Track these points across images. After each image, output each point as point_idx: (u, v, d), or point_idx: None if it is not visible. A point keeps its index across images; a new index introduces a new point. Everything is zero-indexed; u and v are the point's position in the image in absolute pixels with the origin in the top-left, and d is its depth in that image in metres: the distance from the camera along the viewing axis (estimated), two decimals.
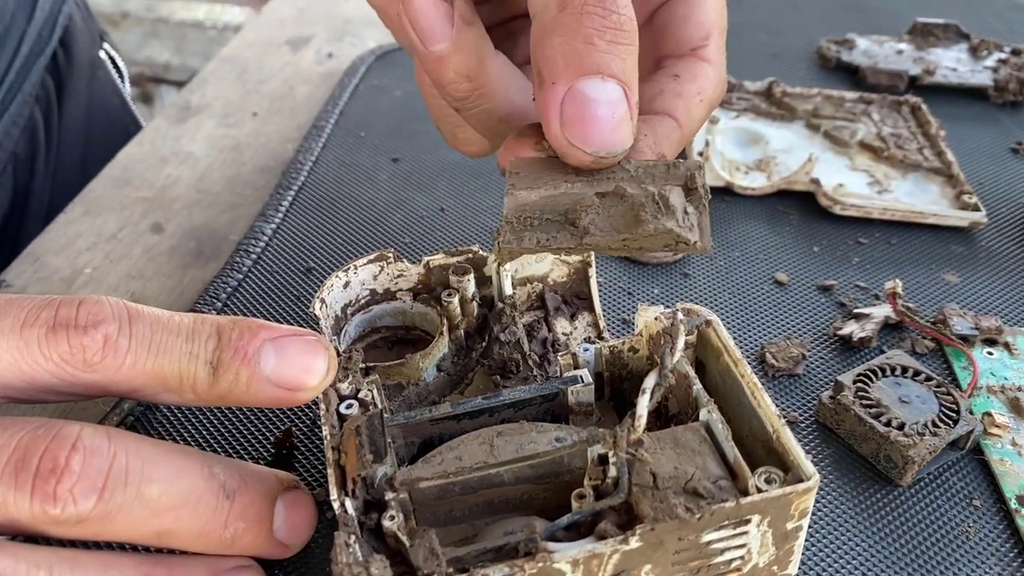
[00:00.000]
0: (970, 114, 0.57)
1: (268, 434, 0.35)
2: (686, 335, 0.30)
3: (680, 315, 0.30)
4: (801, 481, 0.26)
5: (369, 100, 0.58)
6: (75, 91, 0.59)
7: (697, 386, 0.29)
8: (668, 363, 0.29)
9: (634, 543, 0.25)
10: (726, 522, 0.26)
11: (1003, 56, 0.61)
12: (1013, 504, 0.33)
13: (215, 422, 0.36)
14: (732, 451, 0.27)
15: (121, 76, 0.64)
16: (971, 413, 0.35)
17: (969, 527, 0.32)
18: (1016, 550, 0.32)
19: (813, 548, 0.31)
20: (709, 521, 0.25)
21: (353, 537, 0.25)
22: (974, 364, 0.38)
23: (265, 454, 0.34)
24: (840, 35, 0.64)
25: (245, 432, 0.35)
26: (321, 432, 0.35)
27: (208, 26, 1.47)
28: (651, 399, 0.28)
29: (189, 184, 0.51)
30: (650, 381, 0.29)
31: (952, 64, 0.60)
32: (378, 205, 0.48)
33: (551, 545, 0.25)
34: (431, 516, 0.29)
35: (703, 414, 0.29)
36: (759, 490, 0.26)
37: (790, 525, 0.27)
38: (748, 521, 0.26)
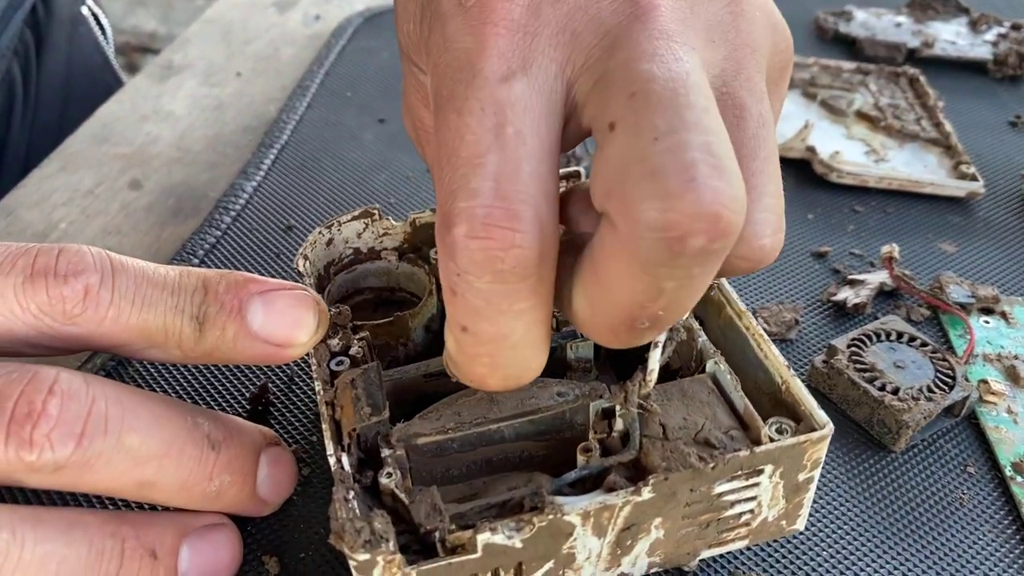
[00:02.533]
0: (969, 88, 0.56)
1: (244, 389, 0.34)
2: None
3: None
4: (814, 430, 0.25)
5: (356, 61, 0.57)
6: (55, 46, 0.57)
7: (702, 338, 0.28)
8: None
9: (647, 494, 0.24)
10: (739, 473, 0.25)
11: (1003, 31, 0.60)
12: (1008, 471, 0.32)
13: (189, 377, 0.34)
14: (742, 401, 0.27)
15: (104, 33, 0.63)
16: (967, 380, 0.34)
17: (963, 494, 0.32)
18: (1011, 517, 0.31)
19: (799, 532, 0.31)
20: (723, 471, 0.24)
21: (352, 493, 0.24)
22: (971, 331, 0.37)
23: (240, 410, 0.33)
24: (838, 6, 0.63)
25: (220, 388, 0.34)
26: (297, 389, 0.34)
27: None
28: (663, 352, 0.27)
29: (169, 142, 0.50)
30: (661, 335, 0.28)
31: (951, 37, 0.59)
32: (363, 165, 0.47)
33: (559, 499, 0.24)
34: (427, 475, 0.28)
35: (710, 366, 0.28)
36: (771, 439, 0.25)
37: (802, 476, 0.26)
38: (761, 472, 0.25)
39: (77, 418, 0.23)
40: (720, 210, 0.19)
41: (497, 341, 0.22)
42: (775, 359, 0.27)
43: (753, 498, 0.26)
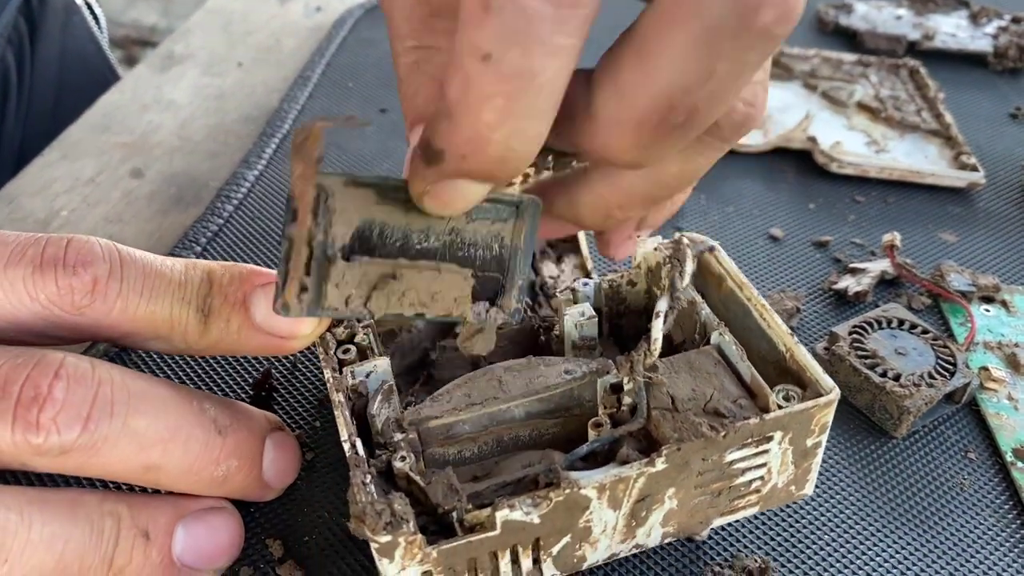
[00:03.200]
0: (969, 80, 0.56)
1: (246, 375, 0.34)
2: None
3: (685, 240, 0.29)
4: (821, 395, 0.25)
5: (357, 52, 0.57)
6: (48, 35, 0.57)
7: (705, 311, 0.29)
8: (679, 285, 0.28)
9: (660, 465, 0.24)
10: (749, 440, 0.25)
11: (1003, 23, 0.60)
12: (1009, 457, 0.32)
13: (193, 363, 0.34)
14: (748, 370, 0.27)
15: (98, 22, 0.62)
16: (968, 367, 0.34)
17: (964, 479, 0.32)
18: (1011, 503, 0.31)
19: (808, 498, 0.31)
20: (734, 439, 0.25)
21: (369, 476, 0.24)
22: (972, 318, 0.37)
23: (244, 395, 0.33)
24: None
25: (223, 373, 0.34)
26: (300, 374, 0.34)
27: None
28: (665, 322, 0.27)
29: (171, 131, 0.50)
30: (663, 304, 0.28)
31: (951, 30, 0.59)
32: (365, 154, 0.47)
33: (574, 474, 0.24)
34: (440, 458, 0.28)
35: (714, 337, 0.28)
36: (779, 407, 0.25)
37: (810, 441, 0.26)
38: (771, 439, 0.25)
39: (83, 401, 0.24)
40: (785, 6, 0.19)
41: (523, 77, 0.19)
42: (778, 328, 0.27)
43: (763, 465, 0.26)
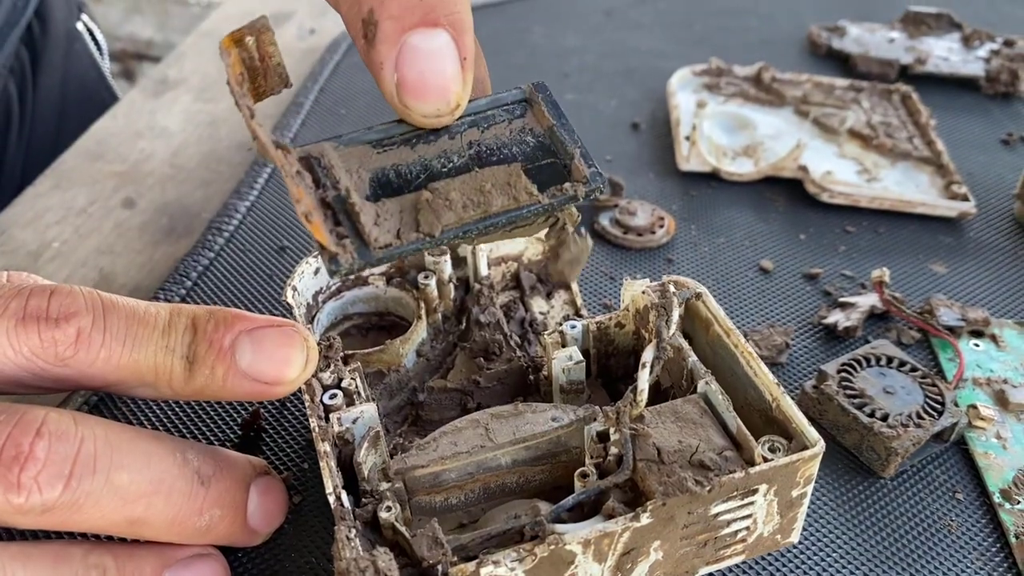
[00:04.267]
0: (961, 104, 0.56)
1: (236, 415, 0.34)
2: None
3: (672, 287, 0.29)
4: (806, 448, 0.25)
5: (350, 77, 0.57)
6: (50, 63, 0.57)
7: (692, 358, 0.29)
8: (665, 335, 0.29)
9: (645, 520, 0.24)
10: (735, 493, 0.25)
11: (995, 47, 0.60)
12: (997, 498, 0.32)
13: (181, 404, 0.34)
14: (734, 421, 0.27)
15: (100, 49, 0.63)
16: (956, 405, 0.34)
17: (952, 520, 0.32)
18: (998, 544, 0.31)
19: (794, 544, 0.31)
20: (719, 493, 0.25)
21: (354, 531, 0.24)
22: (960, 355, 0.37)
23: (232, 436, 0.33)
24: (831, 22, 0.63)
25: (212, 414, 0.34)
26: (288, 415, 0.34)
27: (192, 2, 1.45)
28: (651, 372, 0.27)
29: (163, 159, 0.50)
30: (648, 355, 0.28)
31: (944, 54, 0.59)
32: None
33: (559, 527, 0.24)
34: (426, 505, 0.28)
35: (701, 386, 0.28)
36: (765, 459, 0.25)
37: (795, 492, 0.26)
38: (756, 491, 0.25)
39: (65, 459, 0.24)
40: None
41: None
42: (764, 376, 0.27)
43: (749, 516, 0.26)
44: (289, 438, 0.33)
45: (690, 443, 0.26)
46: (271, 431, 0.34)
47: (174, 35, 1.41)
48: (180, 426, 0.34)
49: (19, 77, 0.56)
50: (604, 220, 0.44)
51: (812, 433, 0.26)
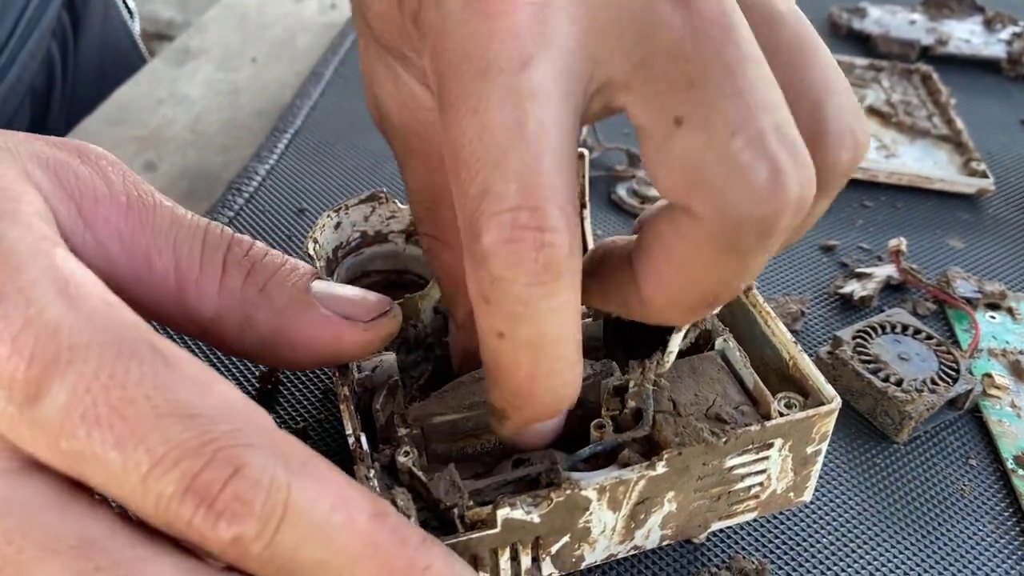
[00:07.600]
0: (981, 86, 0.56)
1: (254, 368, 0.34)
2: None
3: None
4: (822, 404, 0.25)
5: None
6: (90, 27, 0.58)
7: (710, 316, 0.29)
8: None
9: (660, 469, 0.24)
10: (750, 446, 0.25)
11: (1017, 30, 0.60)
12: (1010, 464, 0.32)
13: (202, 356, 0.35)
14: (752, 377, 0.27)
15: (131, 15, 0.64)
16: (971, 373, 0.34)
17: (965, 486, 0.32)
18: (1011, 509, 0.31)
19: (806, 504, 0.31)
20: (734, 445, 0.25)
21: (372, 471, 0.24)
22: (976, 325, 0.37)
23: (251, 388, 0.34)
24: (852, 3, 0.63)
25: (229, 366, 0.34)
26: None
27: None
28: (685, 337, 0.28)
29: (184, 125, 0.50)
30: None
31: (965, 36, 0.59)
32: (375, 151, 0.48)
33: (575, 475, 0.24)
34: (443, 454, 0.28)
35: (719, 343, 0.28)
36: (780, 415, 0.26)
37: (810, 449, 0.26)
38: (771, 445, 0.26)
39: None
40: (804, 192, 0.20)
41: (537, 342, 0.21)
42: (782, 335, 0.27)
43: (763, 471, 0.26)
44: (305, 390, 0.34)
45: (707, 397, 0.27)
46: (288, 384, 0.34)
47: (194, 15, 1.42)
48: None
49: (61, 40, 0.57)
50: (621, 191, 0.45)
51: (829, 390, 0.26)
